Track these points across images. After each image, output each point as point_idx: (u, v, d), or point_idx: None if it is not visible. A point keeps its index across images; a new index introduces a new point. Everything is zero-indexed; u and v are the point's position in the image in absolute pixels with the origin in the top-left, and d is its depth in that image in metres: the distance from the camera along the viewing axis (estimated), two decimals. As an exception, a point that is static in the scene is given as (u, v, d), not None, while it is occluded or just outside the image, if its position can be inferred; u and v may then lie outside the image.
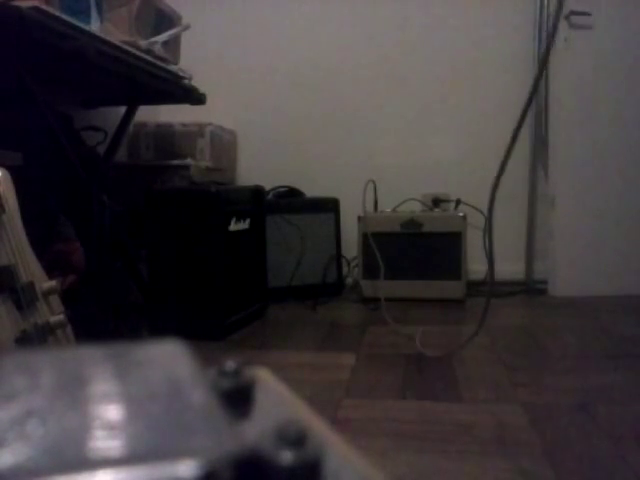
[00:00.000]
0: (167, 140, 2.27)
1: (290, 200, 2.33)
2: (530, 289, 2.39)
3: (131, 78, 1.61)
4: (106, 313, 1.69)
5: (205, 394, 0.22)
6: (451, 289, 2.17)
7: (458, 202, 2.42)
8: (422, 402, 1.17)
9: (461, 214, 2.20)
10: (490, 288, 1.22)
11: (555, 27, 0.96)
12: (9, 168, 1.04)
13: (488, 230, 1.18)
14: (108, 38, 1.45)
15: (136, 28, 1.63)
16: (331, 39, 2.54)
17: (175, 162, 2.11)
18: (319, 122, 2.57)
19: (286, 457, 0.18)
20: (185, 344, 0.27)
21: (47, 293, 1.03)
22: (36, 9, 1.18)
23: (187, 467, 0.17)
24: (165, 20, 1.81)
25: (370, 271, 2.19)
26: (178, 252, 1.70)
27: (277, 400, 0.25)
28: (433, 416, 1.10)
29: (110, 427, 0.19)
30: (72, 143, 1.63)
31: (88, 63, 1.38)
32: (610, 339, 1.65)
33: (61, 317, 1.04)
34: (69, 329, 1.07)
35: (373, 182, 2.40)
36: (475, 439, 1.00)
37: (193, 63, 2.06)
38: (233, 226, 1.78)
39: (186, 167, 2.07)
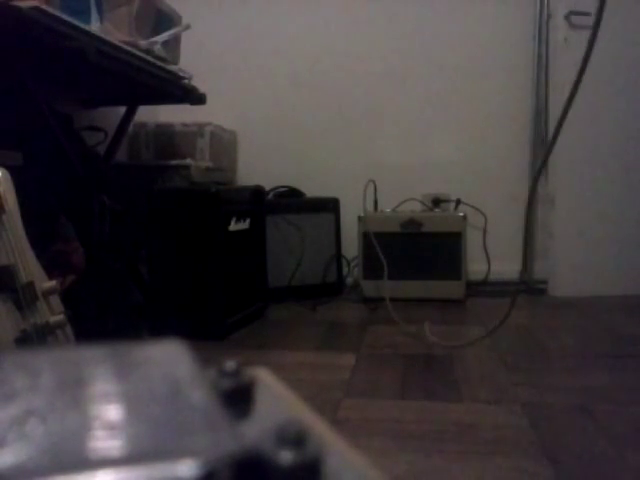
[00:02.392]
0: (167, 140, 2.27)
1: (290, 200, 2.33)
2: (530, 289, 2.39)
3: (131, 78, 1.61)
4: (106, 313, 1.69)
5: (205, 394, 0.22)
6: (451, 289, 2.17)
7: (458, 202, 2.42)
8: (422, 402, 1.17)
9: (461, 214, 2.20)
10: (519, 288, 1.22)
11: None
12: (9, 168, 1.04)
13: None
14: (108, 38, 1.45)
15: (136, 28, 1.63)
16: (331, 39, 2.54)
17: (175, 162, 2.10)
18: (319, 122, 2.56)
19: (286, 457, 0.18)
20: (185, 344, 0.27)
21: (47, 293, 1.03)
22: (36, 9, 1.18)
23: (187, 467, 0.17)
24: (165, 20, 1.81)
25: (370, 271, 2.19)
26: (178, 252, 1.70)
27: (277, 400, 0.25)
28: (433, 416, 1.10)
29: (110, 427, 0.19)
30: (72, 143, 1.63)
31: (88, 63, 1.38)
32: (610, 339, 1.65)
33: (61, 317, 1.04)
34: (69, 329, 1.07)
35: (373, 182, 2.40)
36: (475, 439, 1.00)
37: (193, 63, 2.06)
38: (233, 226, 1.78)
39: (186, 167, 2.07)
